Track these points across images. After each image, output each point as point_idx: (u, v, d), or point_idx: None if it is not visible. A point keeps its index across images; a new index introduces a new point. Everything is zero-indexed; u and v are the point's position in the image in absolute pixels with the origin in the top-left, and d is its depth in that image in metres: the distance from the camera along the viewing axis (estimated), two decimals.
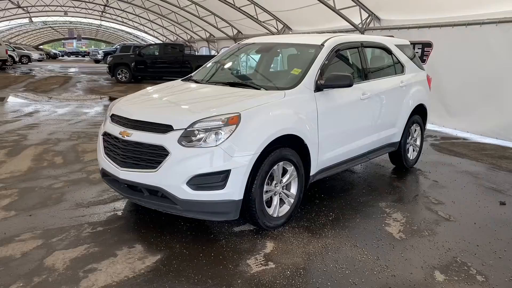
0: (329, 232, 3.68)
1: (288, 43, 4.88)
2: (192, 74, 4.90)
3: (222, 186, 3.24)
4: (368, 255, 3.28)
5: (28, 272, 2.88)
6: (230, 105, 3.48)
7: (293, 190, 3.84)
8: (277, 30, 15.28)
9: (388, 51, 5.31)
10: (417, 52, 8.82)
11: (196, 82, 4.52)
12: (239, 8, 15.14)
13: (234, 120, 3.31)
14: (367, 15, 10.53)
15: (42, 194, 4.39)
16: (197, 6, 18.59)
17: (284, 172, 3.75)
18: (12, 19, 38.35)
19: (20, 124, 8.16)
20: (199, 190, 3.24)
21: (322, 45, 4.35)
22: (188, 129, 3.27)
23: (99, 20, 39.90)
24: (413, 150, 5.81)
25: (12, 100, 12.08)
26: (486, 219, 4.08)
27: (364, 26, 10.51)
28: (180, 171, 3.23)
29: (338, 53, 4.48)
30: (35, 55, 42.60)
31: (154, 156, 3.32)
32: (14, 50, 33.85)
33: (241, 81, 4.19)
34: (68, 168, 5.32)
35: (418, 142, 5.88)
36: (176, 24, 26.06)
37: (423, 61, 8.70)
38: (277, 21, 15.01)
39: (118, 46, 30.24)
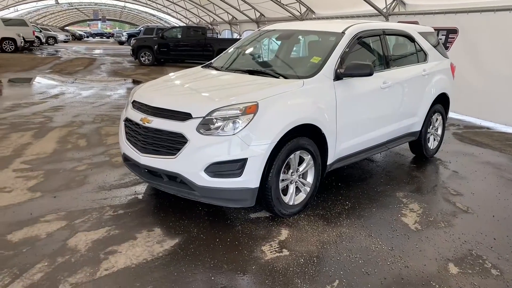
0: (344, 221, 3.71)
1: (309, 30, 4.86)
2: (212, 60, 4.94)
3: (239, 174, 3.30)
4: (382, 245, 3.31)
5: (52, 252, 3.02)
6: (248, 94, 3.51)
7: (310, 179, 3.87)
8: (300, 13, 15.11)
9: (411, 38, 5.23)
10: (441, 39, 8.63)
11: (216, 69, 4.55)
12: None
13: (252, 109, 3.35)
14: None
15: (66, 176, 4.53)
16: None
17: (301, 161, 3.79)
18: (39, 0, 38.88)
19: (46, 106, 8.37)
20: (217, 177, 3.31)
21: (343, 33, 4.32)
22: (206, 117, 3.32)
23: (123, 1, 40.10)
24: (434, 140, 5.75)
25: (39, 82, 12.36)
26: (506, 212, 4.05)
27: (389, 11, 10.29)
28: (198, 158, 3.30)
29: (359, 41, 4.44)
30: (61, 36, 43.27)
31: (173, 143, 3.39)
32: (41, 32, 34.37)
33: (260, 69, 4.21)
34: (91, 151, 5.46)
35: (439, 132, 5.81)
36: (199, 7, 26.00)
37: (447, 48, 8.51)
38: (300, 4, 14.82)
39: (142, 28, 30.46)
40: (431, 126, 5.61)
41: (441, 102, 5.69)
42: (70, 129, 6.58)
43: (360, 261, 3.06)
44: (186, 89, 3.96)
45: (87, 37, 66.39)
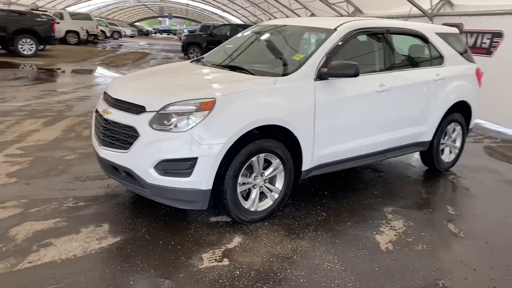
0: (309, 234, 3.39)
1: (302, 26, 4.54)
2: (205, 54, 4.77)
3: (188, 174, 3.10)
4: (337, 264, 2.97)
5: None
6: (208, 90, 3.30)
7: (278, 184, 3.59)
8: (348, 13, 14.57)
9: (424, 39, 4.74)
10: (485, 43, 7.89)
11: (202, 63, 4.36)
12: None
13: (208, 106, 3.13)
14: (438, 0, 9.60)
15: (50, 164, 4.55)
16: None
17: (269, 164, 3.51)
18: None
19: (73, 96, 8.61)
20: (166, 176, 3.13)
21: (335, 29, 3.97)
22: (160, 112, 3.15)
23: None
24: (450, 152, 5.21)
25: (98, 73, 12.82)
26: (503, 239, 3.53)
27: (434, 12, 9.60)
28: (148, 154, 3.13)
29: (353, 39, 4.08)
30: (127, 31, 45.15)
31: (127, 137, 3.25)
32: (107, 26, 35.94)
33: (240, 65, 3.96)
34: (90, 141, 5.47)
35: (457, 144, 5.26)
36: (254, 5, 25.98)
37: (490, 52, 7.75)
38: (348, 4, 14.30)
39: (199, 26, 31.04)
40: (446, 137, 5.08)
41: (461, 111, 5.13)
42: (82, 118, 6.68)
43: (301, 280, 2.75)
44: (155, 82, 3.80)
45: (155, 33, 68.75)
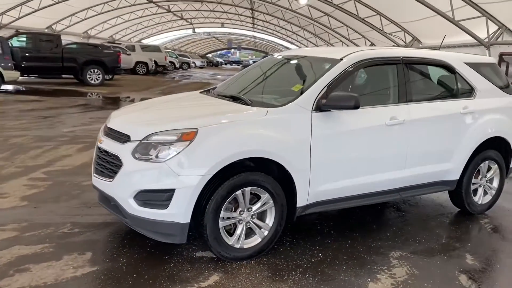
0: (295, 276, 3.15)
1: (309, 56, 4.38)
2: (218, 85, 4.75)
3: (165, 206, 3.03)
4: None
5: None
6: (192, 120, 3.24)
7: (269, 221, 3.40)
8: (405, 42, 14.12)
9: (449, 69, 4.38)
10: None
11: (209, 93, 4.32)
12: (362, 19, 14.41)
13: (189, 136, 3.07)
14: (497, 27, 8.99)
15: (66, 189, 4.69)
16: (329, 17, 18.28)
17: (259, 199, 3.35)
18: (179, 30, 43.01)
19: None
20: (145, 207, 3.08)
21: (341, 59, 3.78)
22: (143, 141, 3.13)
23: (251, 31, 42.25)
24: (485, 193, 4.70)
25: (137, 101, 13.41)
26: None
27: (490, 41, 8.99)
28: (128, 184, 3.13)
29: (360, 69, 3.86)
30: (197, 62, 47.01)
31: (113, 166, 3.26)
32: (176, 57, 37.70)
33: (239, 95, 3.88)
34: None
35: (495, 184, 4.73)
36: (316, 36, 26.09)
37: None
38: (405, 33, 13.86)
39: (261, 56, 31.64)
40: (480, 176, 4.60)
41: (498, 148, 4.64)
42: None
43: None
44: (149, 113, 3.80)
45: (225, 64, 71.04)
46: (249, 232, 3.38)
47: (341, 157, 3.63)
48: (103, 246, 3.46)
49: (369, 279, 3.17)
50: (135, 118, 3.62)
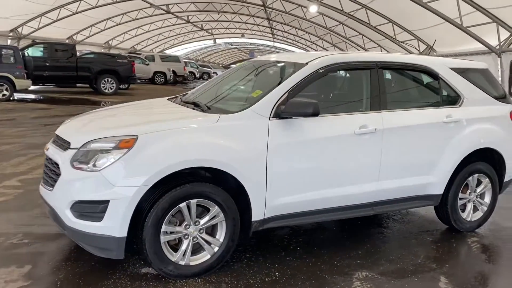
0: None
1: (275, 61, 4.15)
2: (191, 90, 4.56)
3: (100, 218, 2.83)
4: None
5: None
6: (133, 127, 3.04)
7: (220, 236, 3.16)
8: (419, 51, 13.68)
9: (433, 75, 4.07)
10: None
11: (174, 101, 4.11)
12: (374, 27, 14.07)
13: (128, 144, 2.88)
14: (509, 34, 8.54)
15: (33, 198, 4.54)
16: (344, 26, 18.00)
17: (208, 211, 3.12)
18: (200, 41, 43.37)
19: None
20: (81, 219, 2.90)
21: (306, 64, 3.54)
22: (81, 149, 2.96)
23: (271, 41, 42.19)
24: (475, 209, 4.32)
25: None
26: None
27: (502, 48, 8.55)
28: (65, 194, 2.96)
29: (328, 74, 3.61)
30: (218, 72, 47.25)
31: (54, 174, 3.10)
32: (197, 68, 37.94)
33: (199, 102, 3.67)
34: None
35: (486, 199, 4.36)
36: (334, 46, 25.78)
37: None
38: (419, 41, 13.43)
39: None
40: (468, 191, 4.24)
41: (489, 160, 4.29)
42: None
43: None
44: (100, 118, 3.61)
45: None
46: (198, 248, 3.14)
47: (303, 168, 3.37)
48: (47, 259, 3.29)
49: None
50: (80, 124, 3.46)
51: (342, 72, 3.76)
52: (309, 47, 34.33)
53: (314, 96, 3.67)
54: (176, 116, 3.40)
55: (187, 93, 4.43)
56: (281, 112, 3.25)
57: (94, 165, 2.88)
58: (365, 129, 3.55)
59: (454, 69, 4.17)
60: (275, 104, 3.27)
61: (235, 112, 3.28)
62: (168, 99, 4.22)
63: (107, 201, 2.80)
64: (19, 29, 19.97)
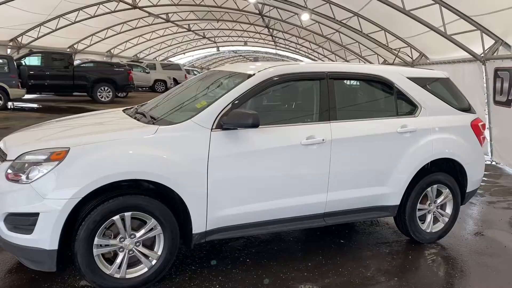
0: None
1: (225, 71, 4.13)
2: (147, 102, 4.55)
3: (30, 231, 2.83)
4: None
5: None
6: (66, 139, 3.05)
7: (158, 249, 3.14)
8: (412, 59, 13.59)
9: (388, 85, 4.03)
10: None
11: (127, 112, 4.07)
12: (366, 35, 14.01)
13: (59, 156, 2.88)
14: (493, 41, 8.46)
15: None
16: (340, 34, 17.97)
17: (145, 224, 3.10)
18: (204, 49, 43.55)
19: None
20: (13, 231, 2.90)
21: (252, 75, 3.52)
22: (16, 161, 2.96)
23: (274, 49, 42.24)
24: (436, 220, 4.26)
25: None
26: None
27: (486, 55, 8.47)
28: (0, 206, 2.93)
29: (277, 85, 3.59)
30: None
31: None
32: None
33: (144, 112, 3.67)
34: None
35: (448, 210, 4.29)
36: (333, 53, 25.71)
37: None
38: (411, 49, 13.35)
39: None
40: (427, 202, 4.18)
41: (450, 171, 4.23)
42: None
43: None
44: (41, 130, 3.58)
45: None
46: (136, 261, 3.12)
47: (247, 179, 3.34)
48: (15, 270, 3.28)
49: None
50: (20, 136, 3.45)
51: (292, 83, 3.72)
52: (310, 55, 34.30)
53: (263, 107, 3.66)
54: (115, 127, 3.40)
55: (146, 103, 4.42)
56: (224, 123, 3.23)
57: (27, 177, 2.87)
58: (312, 139, 3.52)
59: (411, 79, 4.13)
60: (218, 115, 3.26)
61: (176, 123, 3.26)
62: (123, 110, 4.22)
63: (37, 214, 2.80)
64: (19, 39, 20.17)
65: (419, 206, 4.12)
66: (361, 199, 3.83)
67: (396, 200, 3.98)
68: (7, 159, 3.01)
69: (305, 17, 14.30)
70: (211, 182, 3.19)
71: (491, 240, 4.41)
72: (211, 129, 3.23)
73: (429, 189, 4.13)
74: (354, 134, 3.71)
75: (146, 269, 3.11)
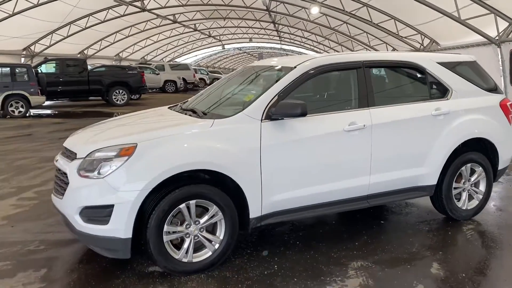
0: None
1: (269, 66, 4.35)
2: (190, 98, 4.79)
3: (106, 222, 3.07)
4: None
5: None
6: (133, 135, 3.28)
7: (219, 234, 3.37)
8: (423, 45, 13.73)
9: (419, 70, 4.22)
10: None
11: (174, 109, 4.34)
12: (376, 25, 14.15)
13: (128, 151, 3.12)
14: (507, 24, 8.60)
15: (47, 208, 4.80)
16: (348, 25, 18.12)
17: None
18: (209, 47, 43.81)
19: None
20: (89, 223, 3.14)
21: (295, 67, 3.74)
22: (86, 158, 3.20)
23: (279, 44, 42.38)
24: (470, 198, 4.45)
25: None
26: None
27: (501, 38, 8.61)
28: (74, 200, 3.20)
29: (316, 76, 3.79)
30: None
31: (63, 184, 3.34)
32: (207, 74, 38.31)
33: (195, 108, 3.90)
34: None
35: (481, 188, 4.48)
36: (340, 45, 25.86)
37: None
38: (422, 36, 13.49)
39: None
40: (462, 180, 4.37)
41: (482, 150, 4.42)
42: None
43: None
44: (103, 130, 3.84)
45: None
46: (200, 246, 3.36)
47: (296, 166, 3.56)
48: (61, 262, 3.53)
49: None
50: (85, 136, 3.70)
51: (331, 73, 3.93)
52: (316, 47, 34.44)
53: (304, 97, 3.87)
54: (174, 123, 3.63)
55: (187, 101, 4.65)
56: (272, 114, 3.45)
57: (99, 173, 3.11)
58: (354, 125, 3.72)
59: (441, 63, 4.32)
60: (266, 107, 3.48)
61: (229, 116, 3.49)
62: (168, 108, 4.46)
63: (112, 205, 3.04)
64: (32, 47, 20.56)
65: (454, 184, 4.32)
66: (401, 180, 4.03)
67: (433, 180, 4.17)
68: (77, 157, 3.25)
69: (314, 10, 14.47)
70: (264, 170, 3.41)
71: None
72: (261, 120, 3.45)
73: (463, 168, 4.33)
74: (392, 119, 3.91)
75: (210, 253, 3.35)
